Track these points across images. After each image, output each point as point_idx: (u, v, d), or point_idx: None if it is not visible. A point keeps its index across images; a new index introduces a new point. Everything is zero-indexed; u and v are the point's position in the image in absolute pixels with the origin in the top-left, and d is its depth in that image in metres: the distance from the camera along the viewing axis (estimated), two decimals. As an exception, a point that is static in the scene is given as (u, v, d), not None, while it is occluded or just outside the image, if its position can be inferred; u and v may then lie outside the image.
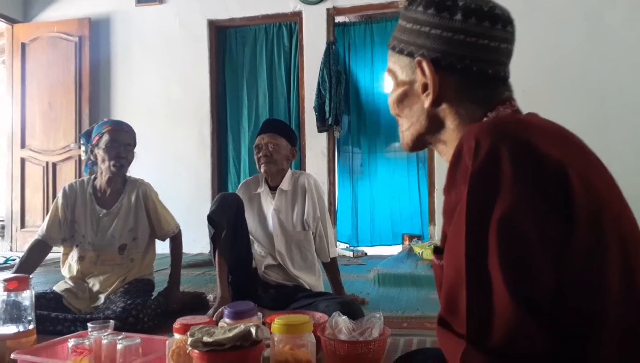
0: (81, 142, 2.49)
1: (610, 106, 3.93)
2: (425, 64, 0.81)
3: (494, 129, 0.67)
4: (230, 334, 1.16)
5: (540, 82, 3.90)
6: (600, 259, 0.62)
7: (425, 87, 0.83)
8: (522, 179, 0.62)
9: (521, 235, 0.60)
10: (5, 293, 1.52)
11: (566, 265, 0.60)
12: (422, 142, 0.90)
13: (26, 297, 1.55)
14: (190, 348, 1.15)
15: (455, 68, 0.80)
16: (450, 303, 0.66)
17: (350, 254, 4.38)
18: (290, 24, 4.84)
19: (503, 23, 0.81)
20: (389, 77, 0.91)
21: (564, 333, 0.60)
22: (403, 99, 0.87)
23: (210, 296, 2.52)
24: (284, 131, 2.45)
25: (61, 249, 2.42)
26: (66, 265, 2.38)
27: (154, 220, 2.44)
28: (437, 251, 0.81)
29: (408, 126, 0.89)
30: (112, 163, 2.31)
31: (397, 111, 0.90)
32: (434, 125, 0.85)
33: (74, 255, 2.36)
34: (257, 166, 2.42)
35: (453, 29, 0.79)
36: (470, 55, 0.80)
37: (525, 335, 0.59)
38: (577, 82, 3.97)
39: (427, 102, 0.83)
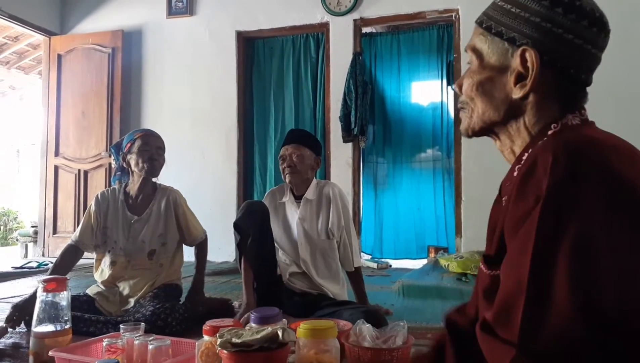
0: (111, 154, 2.58)
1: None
2: (532, 55, 0.79)
3: (572, 147, 0.67)
4: (258, 336, 1.20)
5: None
6: None
7: (518, 77, 0.81)
8: (601, 201, 0.62)
9: (595, 257, 0.61)
10: (44, 293, 1.57)
11: (633, 288, 0.61)
12: (489, 131, 0.88)
13: (63, 298, 1.60)
14: (219, 348, 1.18)
15: (555, 65, 0.79)
16: (503, 311, 0.67)
17: (374, 265, 4.37)
18: (318, 35, 4.89)
19: (606, 32, 0.81)
20: (471, 55, 0.88)
21: (617, 348, 0.60)
22: (486, 83, 0.85)
23: (235, 303, 2.55)
24: (308, 141, 2.48)
25: (93, 255, 2.50)
26: (99, 270, 2.46)
27: (183, 227, 2.50)
28: (487, 260, 0.81)
29: (482, 112, 0.86)
30: (146, 164, 2.39)
31: (473, 94, 0.87)
32: (511, 116, 0.84)
33: (106, 260, 2.44)
34: (282, 176, 2.47)
35: (564, 26, 0.78)
36: (572, 56, 0.79)
37: (578, 345, 0.60)
38: (606, 91, 3.90)
39: (517, 93, 0.81)
